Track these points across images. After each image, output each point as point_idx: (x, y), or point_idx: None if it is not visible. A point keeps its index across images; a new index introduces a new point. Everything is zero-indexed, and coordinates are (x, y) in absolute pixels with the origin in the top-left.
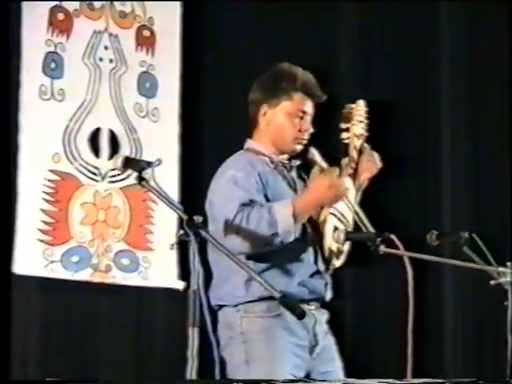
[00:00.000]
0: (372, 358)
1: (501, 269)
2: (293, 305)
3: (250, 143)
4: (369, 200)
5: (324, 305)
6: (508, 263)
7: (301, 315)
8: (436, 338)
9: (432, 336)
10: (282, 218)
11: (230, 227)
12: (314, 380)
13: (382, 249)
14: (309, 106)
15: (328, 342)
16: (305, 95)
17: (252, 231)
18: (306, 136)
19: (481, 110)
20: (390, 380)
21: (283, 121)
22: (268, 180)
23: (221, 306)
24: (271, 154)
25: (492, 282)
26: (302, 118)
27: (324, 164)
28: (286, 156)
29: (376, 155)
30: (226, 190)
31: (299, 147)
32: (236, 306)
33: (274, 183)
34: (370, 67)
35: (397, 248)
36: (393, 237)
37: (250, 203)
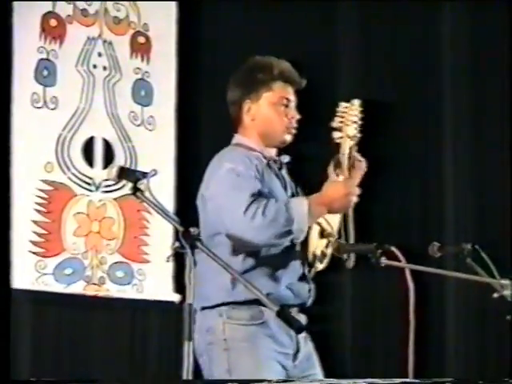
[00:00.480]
0: (372, 370)
1: (503, 281)
2: (291, 318)
3: (238, 138)
4: (370, 211)
5: (304, 310)
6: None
7: (299, 329)
8: (438, 352)
9: (434, 350)
10: (299, 216)
11: (243, 218)
12: (310, 380)
13: (383, 261)
14: (291, 93)
15: (308, 349)
16: (285, 83)
17: (268, 224)
18: (294, 123)
19: (483, 115)
20: (375, 380)
21: (269, 112)
22: (264, 176)
23: (203, 308)
24: (262, 149)
25: (495, 295)
26: (286, 105)
27: (346, 171)
28: (274, 151)
29: (362, 159)
30: (229, 181)
31: (289, 137)
32: (219, 306)
33: (268, 179)
34: (370, 67)
35: (398, 260)
36: (394, 249)
37: (260, 195)
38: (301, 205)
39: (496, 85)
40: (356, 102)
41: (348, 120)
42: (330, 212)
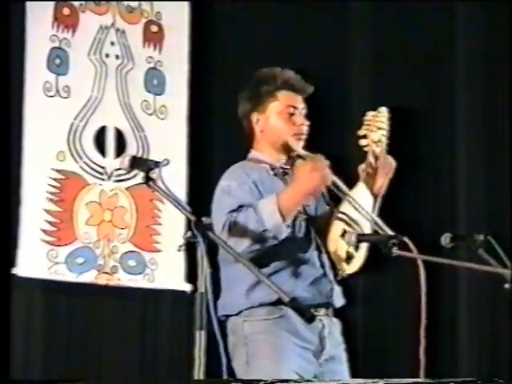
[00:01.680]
0: (384, 359)
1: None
2: (302, 308)
3: (251, 153)
4: (384, 202)
5: (336, 314)
6: None
7: (310, 319)
8: (450, 342)
9: (445, 340)
10: (268, 214)
11: (223, 234)
12: (312, 380)
13: (395, 251)
14: (297, 101)
15: (339, 355)
16: (289, 91)
17: (242, 232)
18: (304, 130)
19: (496, 112)
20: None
21: (276, 121)
22: (265, 185)
23: (227, 316)
24: (273, 160)
25: (506, 286)
26: (293, 113)
27: (304, 152)
28: (286, 159)
29: (391, 159)
30: (219, 200)
31: (301, 143)
32: (238, 313)
33: (271, 188)
34: (384, 74)
35: (410, 251)
36: (406, 239)
37: (238, 208)
38: (269, 202)
39: (508, 84)
40: (383, 110)
41: (374, 126)
42: (309, 194)
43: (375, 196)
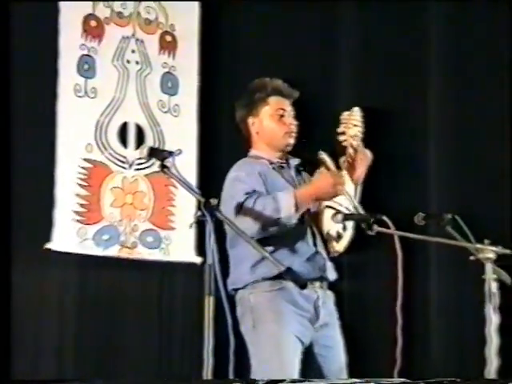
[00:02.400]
0: (366, 322)
1: (479, 246)
2: (295, 276)
3: (251, 152)
4: (366, 188)
5: (330, 287)
6: (485, 241)
7: (303, 285)
8: (423, 305)
9: (419, 301)
10: (285, 205)
11: (240, 213)
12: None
13: (375, 228)
14: (285, 105)
15: (333, 322)
16: (278, 96)
17: (258, 215)
18: (293, 128)
19: (465, 105)
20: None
21: (269, 123)
22: (267, 177)
23: (235, 290)
24: (270, 157)
25: (471, 258)
26: (282, 115)
27: (332, 165)
28: (281, 156)
29: (368, 152)
30: (230, 187)
31: (291, 140)
32: (245, 287)
33: (272, 180)
34: (366, 78)
35: (388, 228)
36: (385, 218)
37: (254, 192)
38: (288, 195)
39: (479, 86)
40: (356, 109)
41: (350, 124)
42: (318, 200)
43: (355, 183)
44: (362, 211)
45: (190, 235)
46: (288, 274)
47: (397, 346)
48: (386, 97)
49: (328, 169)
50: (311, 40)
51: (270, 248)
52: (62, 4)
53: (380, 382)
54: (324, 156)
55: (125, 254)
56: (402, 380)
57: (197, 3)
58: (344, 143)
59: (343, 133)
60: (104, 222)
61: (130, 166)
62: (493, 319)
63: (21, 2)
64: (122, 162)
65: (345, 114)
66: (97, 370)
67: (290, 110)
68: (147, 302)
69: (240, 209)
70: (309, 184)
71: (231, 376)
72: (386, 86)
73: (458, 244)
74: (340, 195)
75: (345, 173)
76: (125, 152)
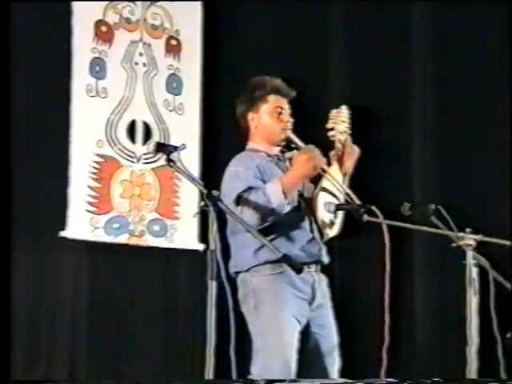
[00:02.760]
0: (356, 301)
1: (460, 234)
2: (293, 262)
3: (249, 145)
4: (356, 181)
5: (323, 270)
6: (467, 229)
7: (299, 270)
8: (408, 285)
9: (405, 281)
10: (274, 195)
11: (239, 204)
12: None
13: (365, 217)
14: (283, 103)
15: (326, 303)
16: (277, 95)
17: (255, 208)
18: (289, 125)
19: (446, 101)
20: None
21: (267, 119)
22: (265, 169)
23: (237, 273)
24: (267, 150)
25: (453, 245)
26: (280, 113)
27: (302, 144)
28: (278, 149)
29: (355, 147)
30: (229, 182)
31: (286, 135)
32: (248, 270)
33: (270, 172)
34: (355, 78)
35: (377, 217)
36: (374, 208)
37: (249, 189)
38: (274, 185)
39: (463, 84)
40: (343, 107)
41: (338, 120)
42: (304, 178)
43: (344, 175)
44: (353, 197)
45: (194, 224)
46: (285, 259)
47: (384, 325)
48: (373, 95)
49: (298, 148)
50: (305, 43)
51: (271, 235)
52: (74, 10)
53: (369, 381)
54: (291, 136)
55: (133, 241)
56: (392, 380)
57: (199, 10)
58: (333, 138)
59: (332, 129)
60: (114, 212)
61: (138, 160)
62: (473, 302)
63: (37, 9)
64: (131, 156)
65: (333, 112)
66: (108, 345)
67: (287, 108)
68: (154, 286)
69: (239, 201)
70: (290, 168)
71: (232, 352)
72: (374, 86)
73: (441, 232)
74: (320, 167)
75: (335, 165)
76: (133, 147)
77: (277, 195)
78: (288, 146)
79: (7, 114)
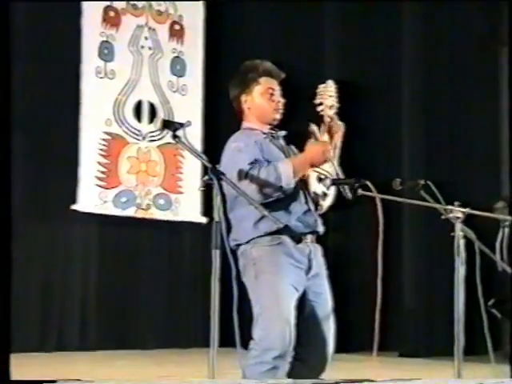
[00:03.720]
0: (349, 267)
1: (449, 207)
2: (292, 232)
3: (243, 124)
4: (351, 157)
5: (318, 240)
6: (455, 202)
7: (299, 239)
8: (397, 252)
9: (394, 247)
10: (285, 174)
11: (244, 179)
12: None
13: (359, 192)
14: (274, 84)
15: (321, 272)
16: (268, 77)
17: (262, 183)
18: (281, 105)
19: (433, 82)
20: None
21: (260, 100)
22: (263, 146)
23: (238, 245)
24: (260, 128)
25: (442, 217)
26: (272, 94)
27: (319, 135)
28: (270, 127)
29: (341, 123)
30: (231, 157)
31: (278, 116)
32: (248, 242)
33: (267, 148)
34: (348, 55)
35: (370, 191)
36: (368, 183)
37: (256, 162)
38: (286, 165)
39: (445, 69)
40: (330, 82)
41: (325, 95)
42: (312, 166)
43: (334, 148)
44: (341, 174)
45: (197, 198)
46: (285, 229)
47: (377, 293)
48: (364, 72)
49: (317, 139)
50: (300, 28)
51: (270, 208)
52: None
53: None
54: (313, 127)
55: (140, 214)
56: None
57: None
58: (322, 113)
59: (320, 103)
60: (122, 187)
61: (144, 138)
62: (460, 270)
63: None
64: (137, 134)
65: (320, 87)
66: (116, 312)
67: (278, 89)
68: (159, 256)
69: (245, 176)
70: (303, 153)
71: (235, 315)
72: (365, 63)
73: (431, 205)
74: (328, 161)
75: (326, 138)
76: (139, 126)
77: (287, 175)
78: (283, 126)
79: (23, 93)
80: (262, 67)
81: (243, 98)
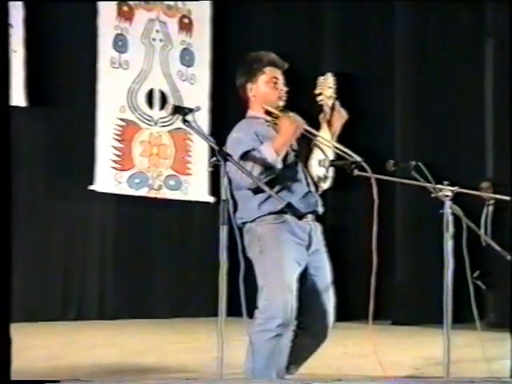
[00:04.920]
0: (347, 242)
1: (438, 186)
2: (294, 210)
3: (248, 113)
4: (348, 140)
5: (318, 219)
6: (445, 182)
7: (300, 217)
8: (390, 228)
9: (387, 224)
10: (268, 153)
11: (240, 165)
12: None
13: (356, 172)
14: (278, 74)
15: (321, 248)
16: (272, 67)
17: (254, 165)
18: (284, 93)
19: (424, 66)
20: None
21: (265, 88)
22: (263, 133)
23: (243, 223)
24: (264, 116)
25: (432, 195)
26: (275, 82)
27: (289, 112)
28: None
29: (343, 110)
30: (232, 146)
31: (281, 103)
32: (253, 220)
33: (267, 134)
34: (345, 49)
35: (366, 171)
36: (364, 164)
37: (253, 150)
38: (267, 145)
39: (434, 60)
40: (328, 75)
41: (325, 86)
42: (291, 137)
43: (332, 135)
44: (349, 152)
45: (205, 179)
46: (289, 208)
47: (372, 265)
48: (360, 64)
49: (278, 117)
50: (300, 23)
51: (274, 189)
52: None
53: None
54: (267, 108)
55: (152, 194)
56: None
57: None
58: (321, 102)
59: (320, 94)
60: (135, 169)
61: (156, 123)
62: (449, 244)
63: None
64: (149, 120)
65: (320, 79)
66: (131, 284)
67: (281, 79)
68: (170, 232)
69: (240, 160)
70: (278, 133)
71: (241, 286)
72: (361, 56)
73: (422, 185)
74: (301, 127)
75: (325, 126)
76: (151, 112)
77: (270, 153)
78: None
79: (45, 85)
80: (267, 58)
81: (249, 86)
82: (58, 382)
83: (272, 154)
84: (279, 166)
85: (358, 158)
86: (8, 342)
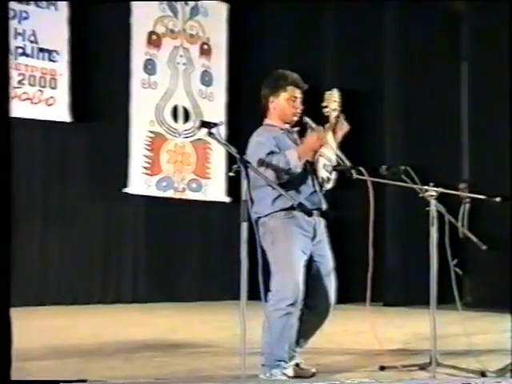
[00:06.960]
0: (346, 237)
1: (425, 187)
2: (304, 207)
3: (266, 121)
4: (347, 149)
5: (322, 215)
6: (430, 183)
7: (310, 213)
8: (381, 223)
9: (379, 220)
10: (292, 158)
11: (262, 165)
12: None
13: (355, 176)
14: (298, 93)
15: (324, 239)
16: (294, 87)
17: (275, 167)
18: (299, 111)
19: (411, 82)
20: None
21: (284, 104)
22: (279, 139)
23: (258, 217)
24: (280, 125)
25: (420, 195)
26: (294, 100)
27: (314, 125)
28: (288, 125)
29: (346, 123)
30: (254, 149)
31: (296, 118)
32: (266, 215)
33: (283, 142)
34: (344, 69)
35: (363, 175)
36: (361, 168)
37: (272, 153)
38: (293, 152)
39: (427, 67)
40: (334, 90)
41: (330, 100)
42: (313, 151)
43: (336, 142)
44: (344, 159)
45: (222, 183)
46: (299, 206)
47: (369, 256)
48: (354, 81)
49: (312, 128)
50: (305, 46)
51: (285, 189)
52: (133, 23)
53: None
54: (307, 119)
55: (177, 196)
56: None
57: (225, 23)
58: (327, 114)
59: (326, 106)
60: (162, 174)
61: (180, 135)
62: (434, 237)
63: (108, 23)
64: (174, 132)
65: (327, 93)
66: (160, 273)
67: (300, 97)
68: (194, 228)
69: (262, 164)
70: (304, 142)
71: (260, 273)
72: (354, 74)
73: (411, 186)
74: (324, 144)
75: (330, 135)
76: (176, 126)
77: (294, 159)
78: (297, 123)
79: (86, 104)
80: (291, 78)
81: (271, 98)
82: (69, 382)
83: (295, 159)
84: (299, 170)
85: (348, 164)
86: (9, 342)
